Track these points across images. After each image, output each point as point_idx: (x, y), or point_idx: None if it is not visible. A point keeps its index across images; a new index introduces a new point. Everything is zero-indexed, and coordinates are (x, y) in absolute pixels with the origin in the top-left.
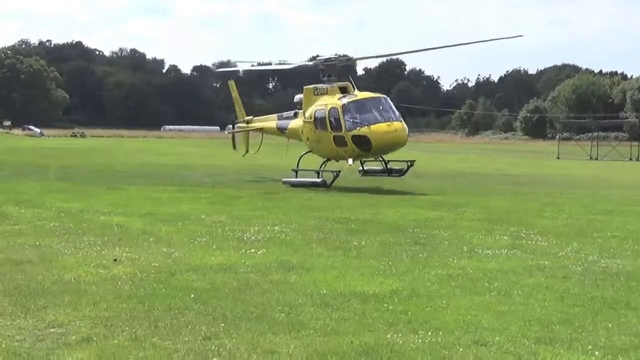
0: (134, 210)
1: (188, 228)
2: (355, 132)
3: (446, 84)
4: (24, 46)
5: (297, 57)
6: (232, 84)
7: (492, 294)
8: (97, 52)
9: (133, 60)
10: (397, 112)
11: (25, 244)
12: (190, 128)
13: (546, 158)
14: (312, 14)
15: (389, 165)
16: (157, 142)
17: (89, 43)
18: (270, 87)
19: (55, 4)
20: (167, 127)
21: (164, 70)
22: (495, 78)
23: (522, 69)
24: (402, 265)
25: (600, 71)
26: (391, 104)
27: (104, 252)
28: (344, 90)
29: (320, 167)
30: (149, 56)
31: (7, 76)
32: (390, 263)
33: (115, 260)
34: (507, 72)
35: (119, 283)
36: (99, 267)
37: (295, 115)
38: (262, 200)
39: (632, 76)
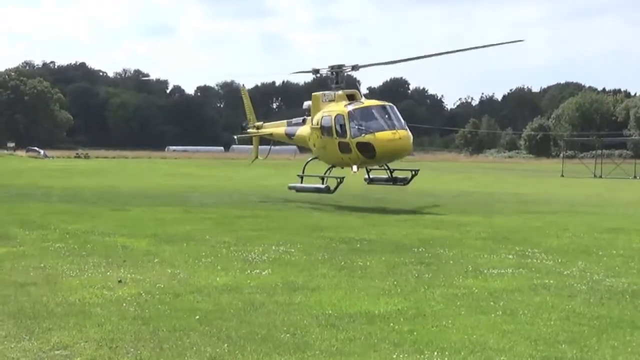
0: (139, 231)
1: (193, 249)
2: (359, 139)
3: (450, 103)
4: (27, 67)
5: (300, 76)
6: (243, 89)
7: (498, 313)
8: (101, 73)
9: (137, 81)
10: (402, 120)
11: (29, 265)
12: (195, 148)
13: (550, 176)
14: (315, 33)
15: (394, 174)
16: (161, 163)
17: (93, 64)
18: (274, 107)
19: (59, 25)
20: (171, 147)
21: (167, 91)
22: (499, 96)
23: (525, 87)
24: (407, 285)
25: (604, 89)
26: (397, 112)
27: (108, 273)
28: (351, 98)
29: (325, 174)
30: (152, 77)
31: (11, 98)
32: (395, 283)
33: (120, 281)
34: (511, 90)
35: (124, 304)
36: (103, 289)
37: (304, 122)
38: (266, 221)
39: (635, 94)
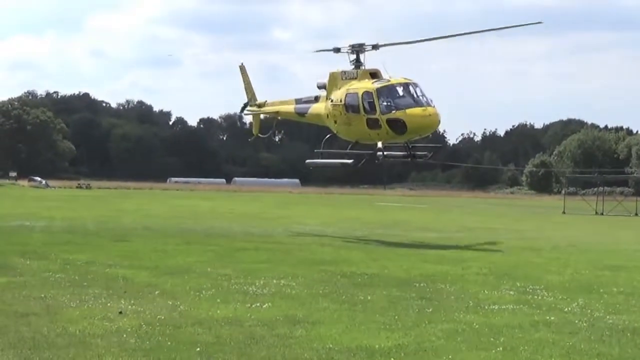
0: (140, 263)
1: (194, 281)
2: (390, 115)
3: (452, 138)
4: (30, 97)
5: None
6: (242, 67)
7: (499, 349)
8: (104, 104)
9: (140, 112)
10: (428, 97)
11: (30, 295)
12: (197, 180)
13: (552, 213)
14: (317, 65)
15: (413, 151)
16: (163, 194)
17: (96, 95)
18: (277, 140)
19: (62, 55)
20: (173, 179)
21: (170, 122)
22: (501, 132)
23: (528, 123)
24: (408, 319)
25: (606, 126)
26: (422, 89)
27: (109, 304)
28: (374, 75)
29: (349, 149)
30: (155, 108)
31: (13, 127)
32: (396, 317)
33: (120, 312)
34: (513, 126)
35: (124, 336)
36: (104, 320)
37: (316, 100)
38: (267, 254)
39: (637, 131)
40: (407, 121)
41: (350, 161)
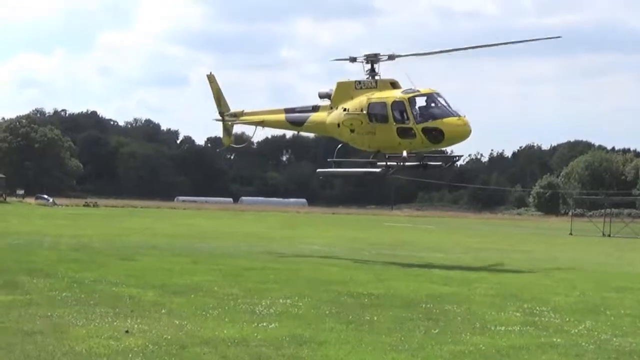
0: (147, 282)
1: (200, 300)
2: (427, 124)
3: (460, 159)
4: (39, 115)
5: None
6: (211, 76)
7: None
8: (112, 122)
9: (147, 131)
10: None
11: (36, 314)
12: (204, 199)
13: (559, 235)
14: (325, 84)
15: (426, 161)
16: (171, 213)
17: (104, 113)
18: (284, 159)
19: (71, 74)
20: (181, 198)
21: (178, 141)
22: (508, 153)
23: (535, 144)
24: (414, 340)
25: (613, 148)
26: (447, 99)
27: (115, 323)
28: (394, 86)
29: (372, 158)
30: (163, 127)
31: (21, 145)
32: (402, 338)
33: (127, 331)
34: (521, 147)
35: (130, 355)
36: (110, 339)
37: (315, 109)
38: (274, 273)
39: None
40: (445, 130)
41: (378, 170)
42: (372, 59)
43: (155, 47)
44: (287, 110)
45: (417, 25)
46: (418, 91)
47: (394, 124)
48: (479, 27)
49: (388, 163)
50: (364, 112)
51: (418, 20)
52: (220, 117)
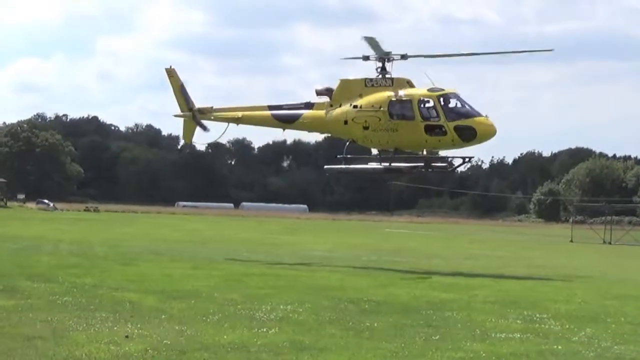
0: (147, 287)
1: (200, 305)
2: (459, 122)
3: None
4: (40, 120)
5: (312, 135)
6: (171, 70)
7: None
8: (113, 127)
9: (148, 136)
10: None
11: (36, 318)
12: (204, 205)
13: (560, 242)
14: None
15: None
16: (171, 218)
17: (105, 118)
18: (285, 165)
19: (71, 78)
20: (181, 203)
21: (179, 147)
22: (509, 160)
23: (536, 151)
24: (414, 347)
25: (614, 155)
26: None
27: (115, 328)
28: (410, 85)
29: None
30: (164, 132)
31: (22, 149)
32: (403, 345)
33: (126, 337)
34: (521, 154)
35: None
36: (110, 344)
37: (309, 106)
38: (274, 279)
39: None
40: (478, 129)
41: (387, 167)
42: (385, 58)
43: (156, 52)
44: (271, 107)
45: (418, 32)
46: (443, 90)
47: (422, 121)
48: (480, 34)
49: (399, 164)
50: (383, 109)
51: (419, 27)
52: (189, 113)
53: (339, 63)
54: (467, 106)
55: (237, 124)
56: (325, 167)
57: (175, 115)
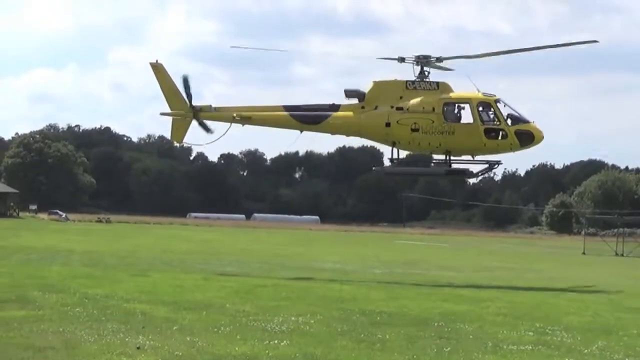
0: (158, 298)
1: (212, 317)
2: (520, 127)
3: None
4: (52, 130)
5: (324, 143)
6: (158, 66)
7: None
8: (125, 138)
9: (160, 147)
10: None
11: (48, 329)
12: (216, 216)
13: (572, 254)
14: (340, 101)
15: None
16: (183, 229)
17: (117, 128)
18: (297, 176)
19: (84, 89)
20: (193, 214)
21: (191, 157)
22: (521, 172)
23: (548, 163)
24: (426, 359)
25: (627, 167)
26: None
27: (127, 339)
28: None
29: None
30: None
31: (34, 160)
32: (414, 357)
33: (138, 348)
34: (534, 166)
35: None
36: (122, 355)
37: (334, 108)
38: (286, 291)
39: None
40: (535, 134)
41: (444, 169)
42: (422, 60)
43: (168, 62)
44: (287, 108)
45: (431, 43)
46: (494, 95)
47: (482, 124)
48: (492, 46)
49: (460, 166)
50: (437, 111)
51: (432, 38)
52: (181, 112)
53: (352, 73)
54: (516, 112)
55: (243, 125)
56: (374, 168)
57: (162, 114)
